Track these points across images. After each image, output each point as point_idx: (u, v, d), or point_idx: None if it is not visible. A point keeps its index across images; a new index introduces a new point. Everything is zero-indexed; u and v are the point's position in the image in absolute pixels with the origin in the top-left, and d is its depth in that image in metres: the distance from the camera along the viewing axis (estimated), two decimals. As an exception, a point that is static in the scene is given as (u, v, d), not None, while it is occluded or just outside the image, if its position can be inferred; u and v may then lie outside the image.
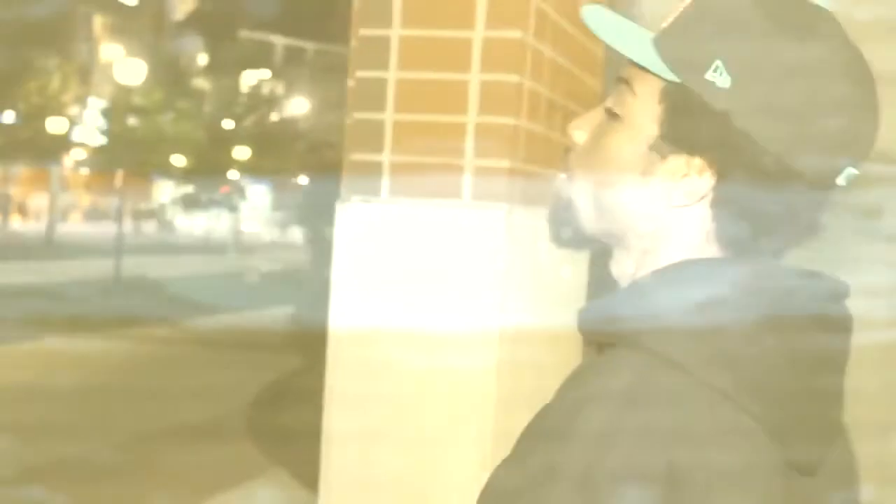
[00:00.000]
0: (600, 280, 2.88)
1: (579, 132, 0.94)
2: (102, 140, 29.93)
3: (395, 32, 1.91)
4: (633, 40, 0.90)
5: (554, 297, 2.14)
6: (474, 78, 1.88)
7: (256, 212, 35.69)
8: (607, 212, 0.92)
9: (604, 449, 0.78)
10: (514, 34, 1.88)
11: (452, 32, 1.89)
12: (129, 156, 27.47)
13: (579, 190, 0.94)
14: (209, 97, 32.84)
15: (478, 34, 1.88)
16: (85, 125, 30.79)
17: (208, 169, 31.36)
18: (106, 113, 30.34)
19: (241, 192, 34.76)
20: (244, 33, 39.28)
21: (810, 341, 0.86)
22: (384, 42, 1.92)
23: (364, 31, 1.94)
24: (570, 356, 2.24)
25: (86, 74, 33.24)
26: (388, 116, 1.93)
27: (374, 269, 1.94)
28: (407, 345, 1.91)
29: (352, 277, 1.96)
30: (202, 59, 37.43)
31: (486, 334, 1.88)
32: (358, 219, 1.96)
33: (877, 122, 0.88)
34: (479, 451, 1.88)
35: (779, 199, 0.85)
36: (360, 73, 1.95)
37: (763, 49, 0.85)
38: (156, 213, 37.52)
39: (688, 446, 0.79)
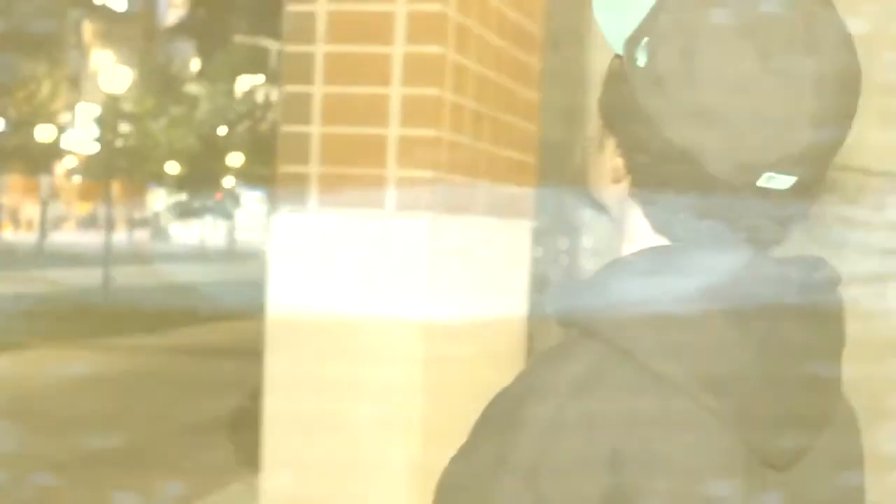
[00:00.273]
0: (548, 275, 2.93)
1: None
2: (94, 148, 29.96)
3: (320, 49, 1.98)
4: (624, 16, 0.88)
5: (483, 295, 2.20)
6: (396, 91, 1.94)
7: (251, 219, 35.75)
8: (587, 176, 0.94)
9: (551, 438, 0.79)
10: (434, 49, 1.94)
11: (374, 48, 1.95)
12: (122, 164, 27.52)
13: (584, 153, 0.95)
14: (202, 103, 32.88)
15: (398, 49, 1.94)
16: (76, 133, 30.85)
17: (202, 176, 31.36)
18: (97, 120, 30.35)
19: (235, 199, 34.82)
20: (238, 38, 39.34)
21: (782, 330, 0.84)
22: (309, 58, 1.98)
23: (290, 48, 2.01)
24: (497, 348, 2.30)
25: (76, 82, 33.32)
26: (315, 129, 1.99)
27: (306, 275, 2.00)
28: (338, 341, 1.98)
29: (286, 283, 2.02)
30: (195, 65, 37.50)
31: (412, 330, 1.94)
32: (289, 229, 2.02)
33: (809, 127, 0.84)
34: (407, 436, 1.95)
35: (683, 189, 0.83)
36: (288, 88, 2.01)
37: (676, 31, 0.83)
38: (150, 222, 37.57)
39: (636, 436, 0.79)
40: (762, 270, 0.85)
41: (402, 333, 1.96)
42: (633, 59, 0.84)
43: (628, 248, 0.89)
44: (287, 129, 2.03)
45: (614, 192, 0.89)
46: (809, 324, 0.86)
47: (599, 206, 0.94)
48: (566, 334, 0.87)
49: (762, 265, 0.85)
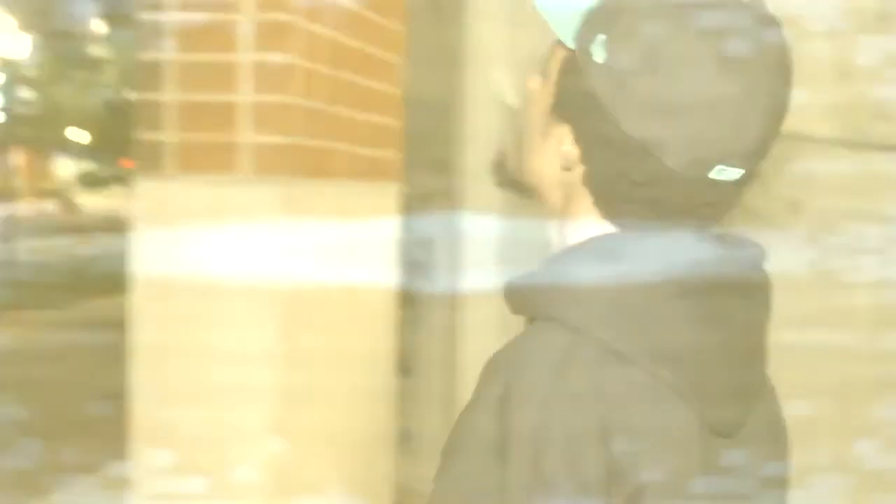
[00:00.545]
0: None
1: (532, 82, 0.97)
2: (-2, 116, 29.08)
3: (171, 16, 1.99)
4: (567, 5, 0.91)
5: (346, 260, 2.25)
6: (248, 58, 1.97)
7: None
8: (521, 162, 0.96)
9: (543, 419, 0.81)
10: (285, 16, 1.97)
11: (225, 15, 1.97)
12: (25, 132, 26.76)
13: (511, 137, 0.98)
14: (108, 68, 32.01)
15: (250, 16, 1.97)
16: (-24, 101, 29.87)
17: (110, 143, 30.66)
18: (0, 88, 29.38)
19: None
20: None
21: (724, 305, 0.88)
22: (162, 26, 2.00)
23: (144, 16, 2.02)
24: (362, 314, 2.35)
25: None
26: (170, 96, 2.01)
27: (167, 242, 2.03)
28: (201, 307, 2.01)
29: (148, 251, 2.05)
30: (100, 28, 36.52)
31: (272, 296, 1.99)
32: (148, 196, 2.04)
33: (762, 124, 0.87)
34: (270, 402, 2.00)
35: (637, 180, 0.87)
36: (141, 55, 2.03)
37: (638, 32, 0.86)
38: (57, 192, 36.69)
39: (616, 411, 0.83)
40: (705, 252, 0.89)
41: (263, 299, 2.00)
42: (589, 55, 0.88)
43: (573, 234, 0.92)
44: (143, 96, 2.04)
45: (559, 178, 0.92)
46: (745, 298, 0.91)
47: (525, 190, 0.98)
48: (529, 321, 0.91)
49: (705, 247, 0.90)
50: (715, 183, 0.88)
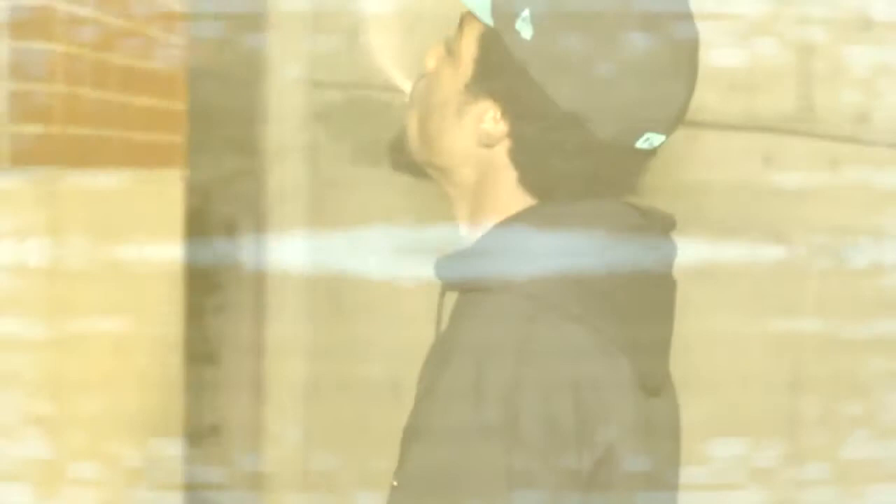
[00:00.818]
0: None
1: (430, 59, 0.95)
2: None
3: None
4: None
5: (125, 245, 2.18)
6: (4, 46, 1.88)
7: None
8: (428, 142, 0.95)
9: (500, 382, 0.84)
10: (41, 2, 1.89)
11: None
12: None
13: (410, 117, 0.96)
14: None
15: (4, 4, 1.88)
16: None
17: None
18: None
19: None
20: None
21: (648, 273, 0.92)
22: None
23: None
24: (144, 299, 2.29)
25: None
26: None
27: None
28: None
29: None
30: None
31: (38, 279, 1.92)
32: None
33: (686, 90, 0.90)
34: (39, 391, 1.93)
35: (568, 153, 0.88)
36: None
37: (564, 5, 0.87)
38: None
39: (575, 371, 0.86)
40: (629, 220, 0.93)
41: (28, 282, 1.92)
42: (514, 32, 0.87)
43: (491, 213, 0.93)
44: None
45: (476, 155, 0.92)
46: (663, 262, 0.96)
47: (433, 171, 0.97)
48: (469, 292, 0.91)
49: (628, 214, 0.93)
50: (638, 152, 0.91)
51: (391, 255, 2.61)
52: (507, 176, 0.93)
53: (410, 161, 0.99)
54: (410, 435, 0.88)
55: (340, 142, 2.89)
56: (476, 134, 0.92)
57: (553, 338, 0.88)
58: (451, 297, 0.98)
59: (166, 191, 2.40)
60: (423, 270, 1.01)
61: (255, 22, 2.97)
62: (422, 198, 2.62)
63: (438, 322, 0.97)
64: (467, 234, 0.97)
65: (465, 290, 0.93)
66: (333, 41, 2.89)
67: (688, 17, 0.92)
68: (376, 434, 2.19)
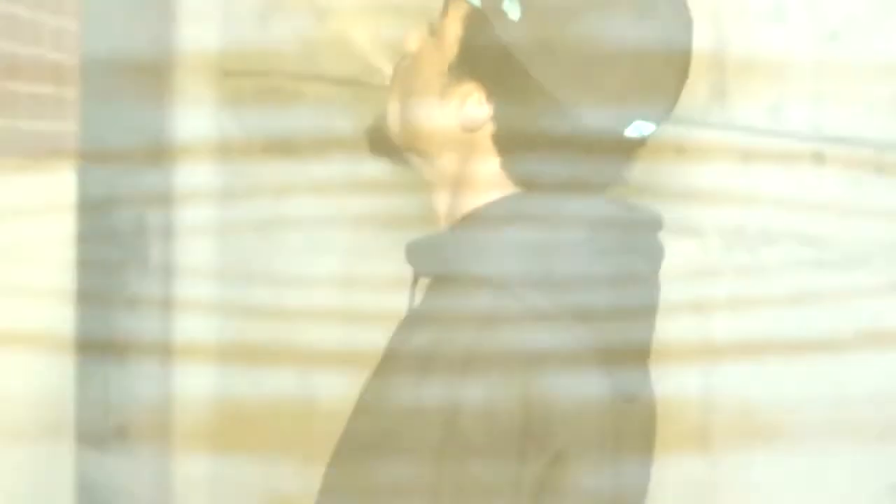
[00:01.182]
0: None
1: (412, 41, 0.92)
2: None
3: None
4: None
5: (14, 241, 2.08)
6: None
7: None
8: (409, 126, 0.91)
9: (447, 374, 0.81)
10: None
11: None
12: None
13: (391, 100, 0.93)
14: None
15: None
16: None
17: None
18: None
19: None
20: None
21: (630, 260, 0.90)
22: None
23: None
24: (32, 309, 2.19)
25: None
26: None
27: None
28: None
29: None
30: None
31: None
32: None
33: (678, 78, 0.88)
34: None
35: (554, 140, 0.85)
36: None
37: None
38: None
39: (528, 372, 0.83)
40: (613, 216, 0.90)
41: None
42: (501, 13, 0.84)
43: (473, 198, 0.90)
44: None
45: (458, 139, 0.88)
46: (648, 252, 0.94)
47: (413, 154, 0.93)
48: (440, 280, 0.89)
49: (613, 211, 0.90)
50: (627, 141, 0.88)
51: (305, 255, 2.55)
52: (490, 162, 0.90)
53: (390, 146, 0.96)
54: (354, 408, 0.86)
55: (252, 133, 2.81)
56: (459, 117, 0.89)
57: (514, 334, 0.85)
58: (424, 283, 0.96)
59: (56, 186, 2.30)
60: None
61: (160, 8, 2.86)
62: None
63: (410, 306, 0.95)
64: (445, 221, 0.95)
65: (435, 278, 0.91)
66: (245, 27, 2.81)
67: (680, 2, 0.90)
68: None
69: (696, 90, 2.22)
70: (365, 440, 0.84)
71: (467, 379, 0.83)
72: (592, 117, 0.87)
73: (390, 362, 0.86)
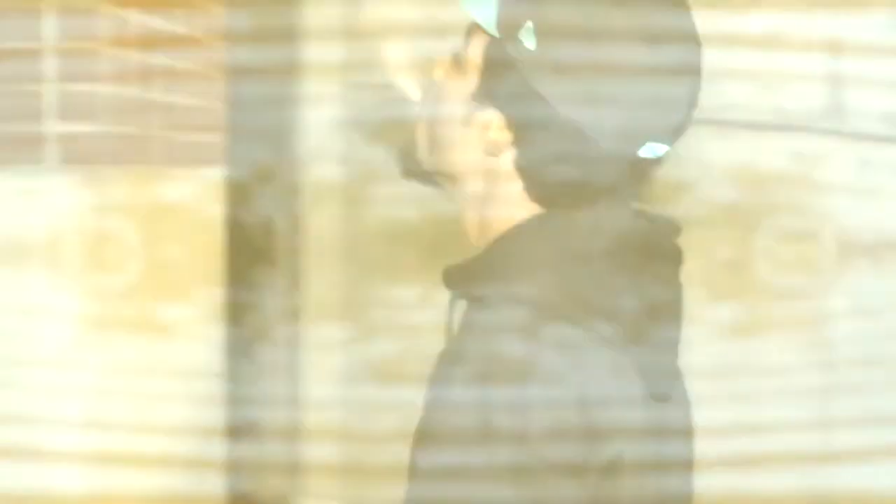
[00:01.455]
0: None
1: (440, 69, 0.97)
2: None
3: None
4: None
5: (164, 249, 2.22)
6: (53, 44, 1.93)
7: None
8: (436, 151, 0.96)
9: (502, 396, 0.84)
10: (88, 2, 1.94)
11: (28, 1, 1.92)
12: None
13: (419, 125, 0.98)
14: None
15: (55, 1, 1.92)
16: None
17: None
18: None
19: None
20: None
21: (654, 272, 0.93)
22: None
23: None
24: (185, 301, 2.33)
25: None
26: (-30, 85, 1.95)
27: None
28: (12, 302, 1.97)
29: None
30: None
31: (85, 289, 1.96)
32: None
33: (687, 100, 0.91)
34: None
35: (573, 162, 0.89)
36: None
37: (566, 17, 0.88)
38: None
39: (579, 383, 0.87)
40: (634, 226, 0.94)
41: (76, 296, 1.96)
42: (518, 41, 0.89)
43: (498, 221, 0.94)
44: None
45: (482, 164, 0.94)
46: (669, 266, 0.96)
47: (440, 178, 0.98)
48: (476, 300, 0.92)
49: (632, 221, 0.94)
50: (642, 161, 0.92)
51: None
52: (513, 185, 0.94)
53: (420, 169, 1.01)
54: (416, 441, 0.89)
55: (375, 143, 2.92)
56: (482, 143, 0.94)
57: (555, 348, 0.89)
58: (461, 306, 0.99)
59: (204, 190, 2.44)
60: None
61: (290, 30, 3.00)
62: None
63: (448, 330, 0.98)
64: (476, 242, 0.99)
65: (471, 299, 0.95)
66: (366, 49, 2.92)
67: (690, 26, 0.93)
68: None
69: (813, 99, 2.27)
70: (433, 480, 0.87)
71: (523, 398, 0.85)
72: (606, 141, 0.90)
73: (442, 393, 0.88)
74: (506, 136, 0.92)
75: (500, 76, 0.92)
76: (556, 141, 0.90)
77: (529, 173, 0.93)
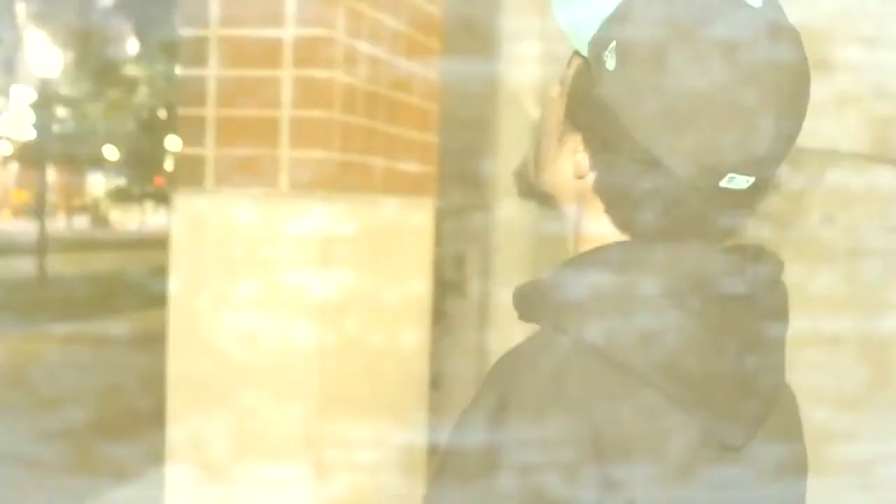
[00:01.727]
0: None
1: (555, 90, 0.97)
2: (30, 133, 29.43)
3: (214, 32, 2.02)
4: (585, 15, 0.92)
5: (382, 275, 2.26)
6: (287, 74, 2.00)
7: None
8: (538, 171, 0.97)
9: (519, 424, 0.81)
10: (324, 32, 2.00)
11: (266, 32, 2.00)
12: (59, 149, 27.03)
13: (530, 146, 0.99)
14: (141, 86, 32.30)
15: (289, 33, 1.99)
16: (11, 118, 30.23)
17: (141, 161, 30.91)
18: (33, 105, 29.71)
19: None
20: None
21: (735, 318, 0.88)
22: (204, 42, 2.02)
23: (184, 32, 2.05)
24: (398, 328, 2.37)
25: (9, 65, 32.66)
26: (210, 112, 2.03)
27: (205, 255, 2.05)
28: (238, 324, 2.03)
29: (188, 262, 2.07)
30: (133, 47, 36.85)
31: (309, 311, 2.00)
32: (187, 208, 2.07)
33: (775, 127, 0.87)
34: (305, 401, 2.01)
35: (648, 189, 0.86)
36: (183, 71, 2.06)
37: (649, 39, 0.85)
38: (88, 208, 37.02)
39: (610, 423, 0.83)
40: (718, 263, 0.89)
41: (300, 314, 2.01)
42: (601, 62, 0.88)
43: (585, 243, 0.92)
44: (184, 111, 2.07)
45: (573, 186, 0.93)
46: (758, 311, 0.90)
47: (545, 199, 0.98)
48: (534, 330, 0.90)
49: (718, 258, 0.89)
50: (726, 192, 0.88)
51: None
52: (597, 208, 0.92)
53: (533, 190, 1.00)
54: (441, 459, 0.86)
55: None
56: (572, 164, 0.92)
57: (581, 385, 0.84)
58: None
59: (418, 218, 2.48)
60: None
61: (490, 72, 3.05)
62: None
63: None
64: None
65: (529, 320, 0.92)
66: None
67: (781, 45, 0.87)
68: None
69: None
70: (450, 493, 0.84)
71: (538, 430, 0.82)
72: (683, 170, 0.86)
73: (470, 413, 0.86)
74: (587, 158, 0.90)
75: (582, 98, 0.90)
76: (630, 166, 0.87)
77: (608, 198, 0.90)
